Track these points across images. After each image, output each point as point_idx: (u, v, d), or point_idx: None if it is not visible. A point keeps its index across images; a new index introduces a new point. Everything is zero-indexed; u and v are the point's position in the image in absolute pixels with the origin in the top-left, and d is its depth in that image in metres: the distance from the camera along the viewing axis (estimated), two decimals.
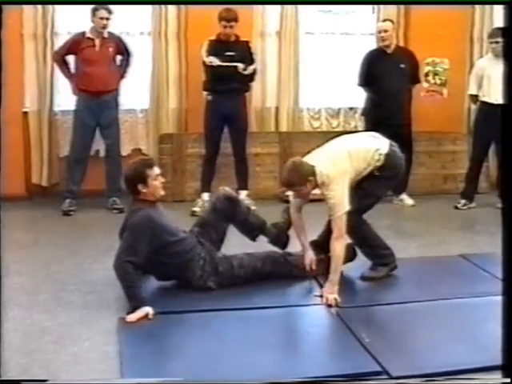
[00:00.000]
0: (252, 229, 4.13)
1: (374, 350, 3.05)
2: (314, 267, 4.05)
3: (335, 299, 3.65)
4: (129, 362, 2.95)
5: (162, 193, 3.78)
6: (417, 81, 6.11)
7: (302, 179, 3.77)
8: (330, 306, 3.63)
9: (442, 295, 3.77)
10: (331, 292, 3.70)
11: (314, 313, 3.64)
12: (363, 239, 4.08)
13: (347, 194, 3.76)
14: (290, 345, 3.23)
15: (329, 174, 3.75)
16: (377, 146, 3.97)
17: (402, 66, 5.97)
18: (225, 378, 2.76)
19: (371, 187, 3.97)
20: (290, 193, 4.13)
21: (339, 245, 3.78)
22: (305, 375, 2.81)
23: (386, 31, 5.94)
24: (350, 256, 4.09)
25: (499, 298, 2.99)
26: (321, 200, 4.18)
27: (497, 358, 2.69)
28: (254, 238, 4.18)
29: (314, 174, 3.76)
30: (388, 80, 5.89)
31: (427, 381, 2.77)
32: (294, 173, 3.78)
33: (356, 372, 2.88)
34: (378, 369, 2.90)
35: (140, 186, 3.66)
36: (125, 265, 3.48)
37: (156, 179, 3.71)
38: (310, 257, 4.07)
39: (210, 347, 3.12)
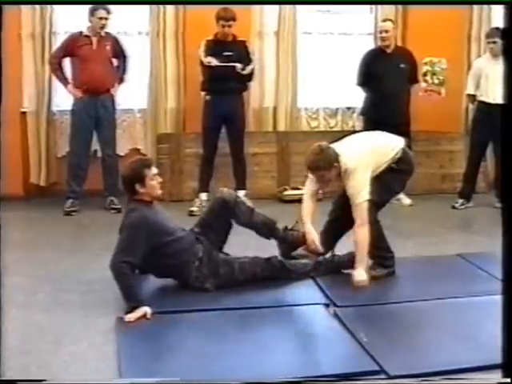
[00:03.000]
0: (258, 229, 4.06)
1: (372, 349, 3.05)
2: (317, 244, 4.05)
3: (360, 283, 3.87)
4: (127, 361, 2.95)
5: (160, 192, 3.77)
6: (415, 81, 6.12)
7: (328, 163, 3.84)
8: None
9: (440, 294, 3.77)
10: (359, 277, 3.89)
11: (312, 312, 3.64)
12: (372, 238, 4.09)
13: (368, 185, 3.85)
14: (288, 344, 3.22)
15: (352, 164, 3.84)
16: (394, 140, 4.12)
17: (402, 65, 5.99)
18: (223, 378, 2.76)
19: (389, 182, 4.05)
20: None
21: (362, 232, 3.87)
22: (303, 374, 2.81)
23: (387, 31, 5.95)
24: (353, 262, 4.10)
25: (497, 298, 2.99)
26: (319, 200, 4.19)
27: (494, 357, 2.69)
28: (267, 238, 4.11)
29: (338, 160, 3.84)
30: (387, 80, 5.90)
31: (425, 380, 2.77)
32: (321, 156, 3.85)
33: (354, 371, 2.88)
34: (376, 368, 2.90)
35: (137, 186, 3.66)
36: (121, 265, 3.47)
37: (153, 179, 3.70)
38: (313, 235, 4.05)
39: (208, 347, 3.11)
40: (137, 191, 3.68)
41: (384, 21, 6.11)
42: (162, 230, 3.71)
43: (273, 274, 3.96)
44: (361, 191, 3.84)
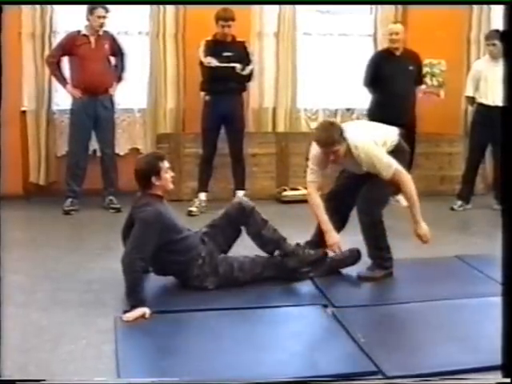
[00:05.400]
0: (265, 243, 3.98)
1: (369, 349, 3.06)
2: (339, 249, 4.01)
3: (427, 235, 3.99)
4: (125, 361, 2.95)
5: (172, 186, 3.80)
6: (421, 82, 6.12)
7: (341, 136, 3.83)
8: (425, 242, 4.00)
9: (438, 296, 3.78)
10: (423, 230, 4.01)
11: (310, 313, 3.64)
12: (375, 238, 4.09)
13: (387, 155, 3.89)
14: (286, 344, 3.22)
15: (359, 140, 3.87)
16: (390, 128, 4.16)
17: (411, 68, 6.00)
18: (222, 378, 2.76)
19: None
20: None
21: (409, 185, 3.94)
22: (301, 374, 2.82)
23: (397, 33, 5.96)
24: (353, 259, 4.13)
25: (494, 299, 3.00)
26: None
27: (492, 358, 2.71)
28: (269, 253, 4.01)
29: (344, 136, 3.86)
30: (396, 82, 5.89)
31: (422, 381, 2.78)
32: (333, 129, 3.86)
33: (352, 372, 2.89)
34: (374, 369, 2.90)
35: (153, 179, 3.67)
36: (135, 262, 3.48)
37: (167, 172, 3.74)
38: (335, 238, 4.01)
39: (207, 347, 3.12)
40: (152, 185, 3.69)
41: (394, 23, 6.13)
42: (173, 227, 3.73)
43: (273, 274, 3.95)
44: (387, 161, 3.85)
